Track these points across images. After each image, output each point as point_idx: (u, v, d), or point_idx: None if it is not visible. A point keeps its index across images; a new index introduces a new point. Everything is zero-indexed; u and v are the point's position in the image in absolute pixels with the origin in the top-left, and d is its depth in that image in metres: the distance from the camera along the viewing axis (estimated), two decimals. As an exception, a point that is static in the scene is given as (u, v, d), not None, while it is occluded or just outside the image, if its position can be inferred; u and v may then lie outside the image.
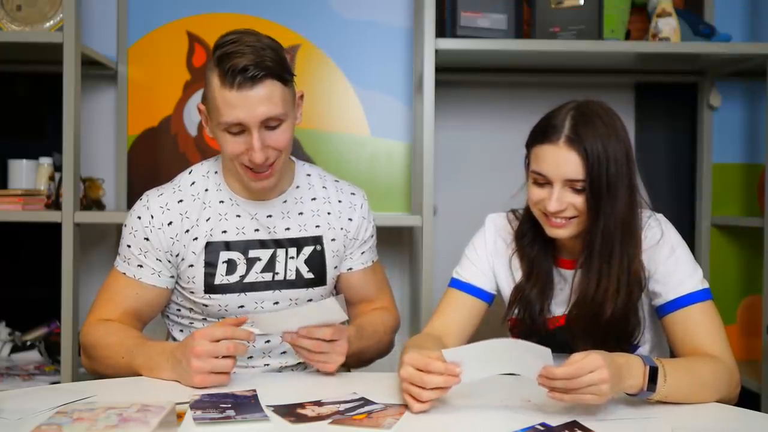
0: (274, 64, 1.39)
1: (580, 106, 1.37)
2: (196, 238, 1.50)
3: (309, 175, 1.63)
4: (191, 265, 1.50)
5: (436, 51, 2.18)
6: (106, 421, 0.96)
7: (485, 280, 1.52)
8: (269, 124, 1.41)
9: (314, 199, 1.60)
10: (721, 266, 2.62)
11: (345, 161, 2.57)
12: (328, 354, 1.37)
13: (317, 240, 1.57)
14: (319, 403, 1.21)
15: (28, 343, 2.41)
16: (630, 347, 1.42)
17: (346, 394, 1.27)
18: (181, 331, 1.61)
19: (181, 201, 1.52)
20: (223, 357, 1.29)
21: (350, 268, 1.65)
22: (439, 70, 2.20)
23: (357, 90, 2.57)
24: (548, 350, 1.12)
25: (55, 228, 2.17)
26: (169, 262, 1.51)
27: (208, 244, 1.50)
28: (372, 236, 1.68)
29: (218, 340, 1.29)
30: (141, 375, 1.38)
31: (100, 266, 2.57)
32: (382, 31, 2.57)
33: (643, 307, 1.42)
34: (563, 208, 1.34)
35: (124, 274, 1.52)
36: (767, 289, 2.23)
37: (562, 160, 1.32)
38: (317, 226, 1.58)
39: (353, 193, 1.66)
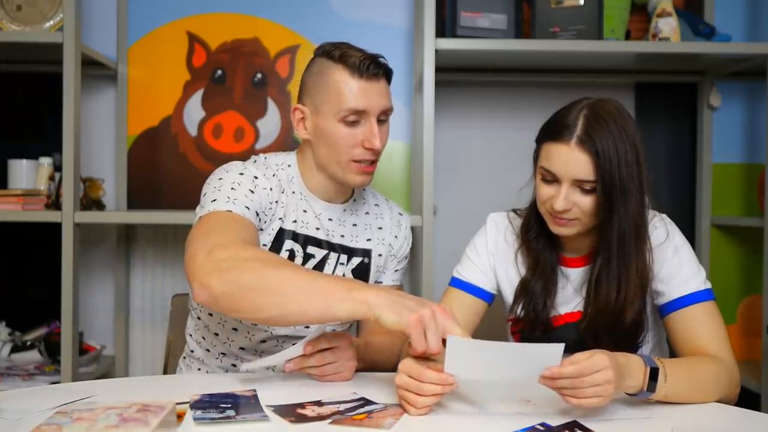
0: (387, 66, 1.50)
1: (594, 105, 1.34)
2: (274, 217, 1.49)
3: (364, 190, 1.67)
4: (263, 245, 1.48)
5: (436, 51, 2.18)
6: (106, 421, 0.95)
7: (485, 279, 1.52)
8: (382, 117, 1.49)
9: (367, 213, 1.65)
10: (721, 266, 2.62)
11: (345, 161, 2.57)
12: (336, 363, 1.34)
13: (366, 253, 1.60)
14: (319, 403, 1.21)
15: (28, 343, 2.41)
16: (633, 347, 1.42)
17: (346, 394, 1.27)
18: (191, 335, 1.62)
19: (274, 175, 1.52)
20: None
21: (380, 282, 1.66)
22: (439, 70, 2.19)
23: (357, 90, 2.57)
24: (561, 346, 1.09)
25: (55, 228, 2.17)
26: (259, 219, 1.45)
27: (279, 229, 1.50)
28: (406, 258, 1.71)
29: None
30: (328, 295, 1.17)
31: (100, 266, 2.57)
32: (381, 32, 2.57)
33: (646, 307, 1.42)
34: (569, 207, 1.34)
35: (230, 211, 1.37)
36: (767, 289, 2.23)
37: (573, 161, 1.32)
38: (368, 240, 1.61)
39: (401, 214, 1.71)
